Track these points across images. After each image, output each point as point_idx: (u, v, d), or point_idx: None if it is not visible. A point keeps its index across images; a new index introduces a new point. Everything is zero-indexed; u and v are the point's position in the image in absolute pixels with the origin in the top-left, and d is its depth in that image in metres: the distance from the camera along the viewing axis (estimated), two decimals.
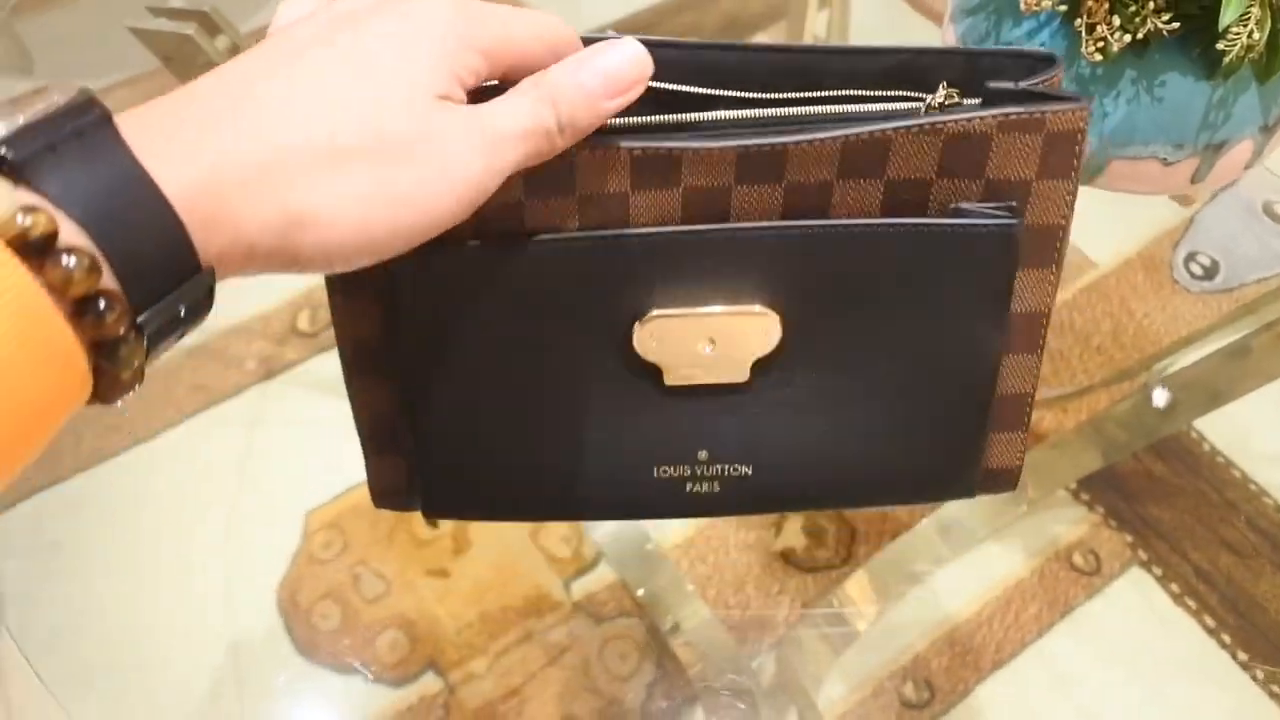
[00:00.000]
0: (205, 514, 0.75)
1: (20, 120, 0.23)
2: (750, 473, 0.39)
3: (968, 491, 0.41)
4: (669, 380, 0.37)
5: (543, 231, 0.35)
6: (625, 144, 0.34)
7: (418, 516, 0.75)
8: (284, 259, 0.27)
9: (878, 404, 0.38)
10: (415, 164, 0.28)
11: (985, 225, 0.35)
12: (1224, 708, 0.69)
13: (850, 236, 0.35)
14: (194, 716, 0.67)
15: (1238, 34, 0.40)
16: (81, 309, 0.23)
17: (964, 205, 0.36)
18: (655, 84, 0.35)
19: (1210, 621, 0.72)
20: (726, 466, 0.39)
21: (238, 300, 0.86)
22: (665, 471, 0.39)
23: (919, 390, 0.38)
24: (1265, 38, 0.40)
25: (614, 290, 0.36)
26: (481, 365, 0.37)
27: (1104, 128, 0.46)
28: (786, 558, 0.73)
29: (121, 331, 0.24)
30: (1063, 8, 0.44)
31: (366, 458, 0.41)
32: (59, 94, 0.24)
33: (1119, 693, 0.69)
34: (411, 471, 0.40)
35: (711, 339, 0.36)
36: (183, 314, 0.26)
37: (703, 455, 0.39)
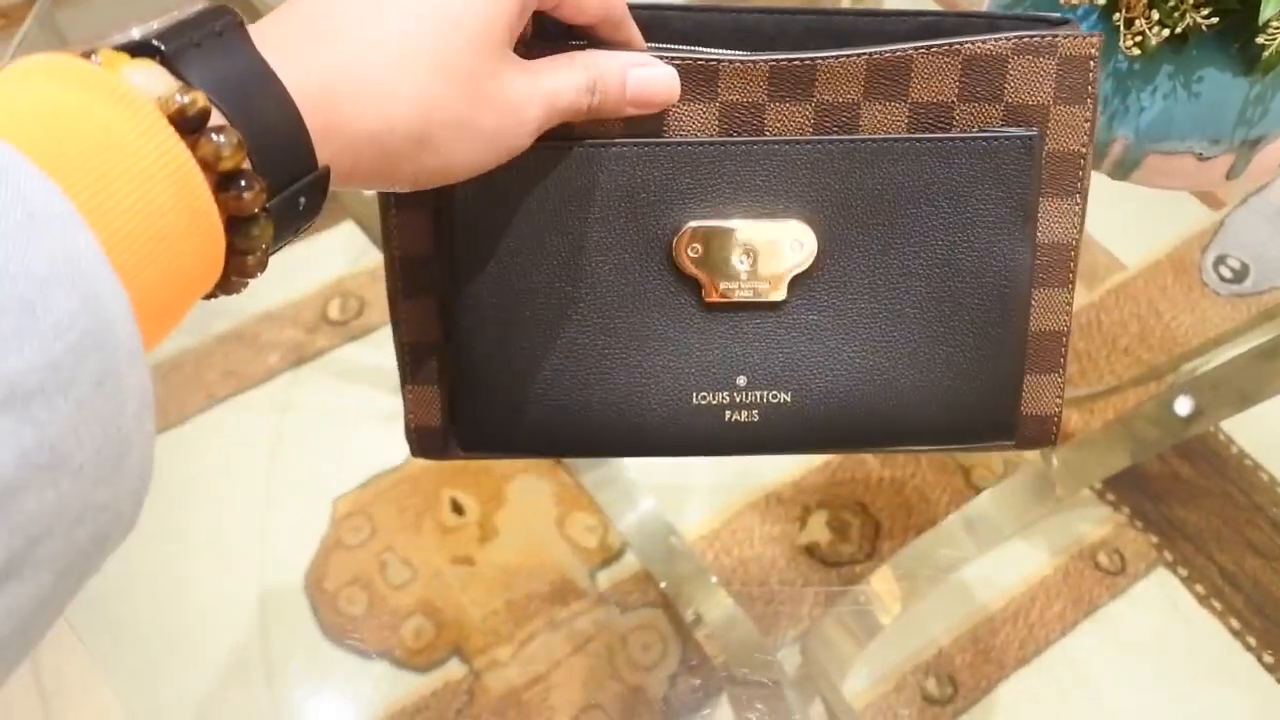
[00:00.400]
0: (235, 498, 0.76)
1: (155, 25, 0.25)
2: (789, 400, 0.39)
3: (1008, 433, 0.41)
4: (708, 297, 0.38)
5: (589, 138, 0.37)
6: (667, 55, 0.36)
7: (445, 505, 0.76)
8: (381, 174, 0.30)
9: (913, 327, 0.39)
10: (492, 105, 0.30)
11: (1007, 136, 0.38)
12: (1248, 710, 0.68)
13: (880, 151, 0.38)
14: (221, 698, 0.68)
15: (1278, 28, 0.40)
16: (224, 185, 0.25)
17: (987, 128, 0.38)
18: (699, 49, 0.38)
19: (1235, 624, 0.72)
20: (765, 393, 0.39)
21: (269, 288, 0.86)
22: (704, 398, 0.39)
23: (953, 312, 0.39)
24: None
25: (656, 199, 0.37)
26: (527, 279, 0.38)
27: (1140, 122, 0.46)
28: (811, 551, 0.74)
29: (256, 210, 0.26)
30: (1101, 1, 0.45)
31: (404, 385, 0.41)
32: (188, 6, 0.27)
33: (1142, 693, 0.69)
34: (449, 408, 0.41)
35: (749, 252, 0.38)
36: (301, 207, 0.28)
37: (741, 381, 0.39)
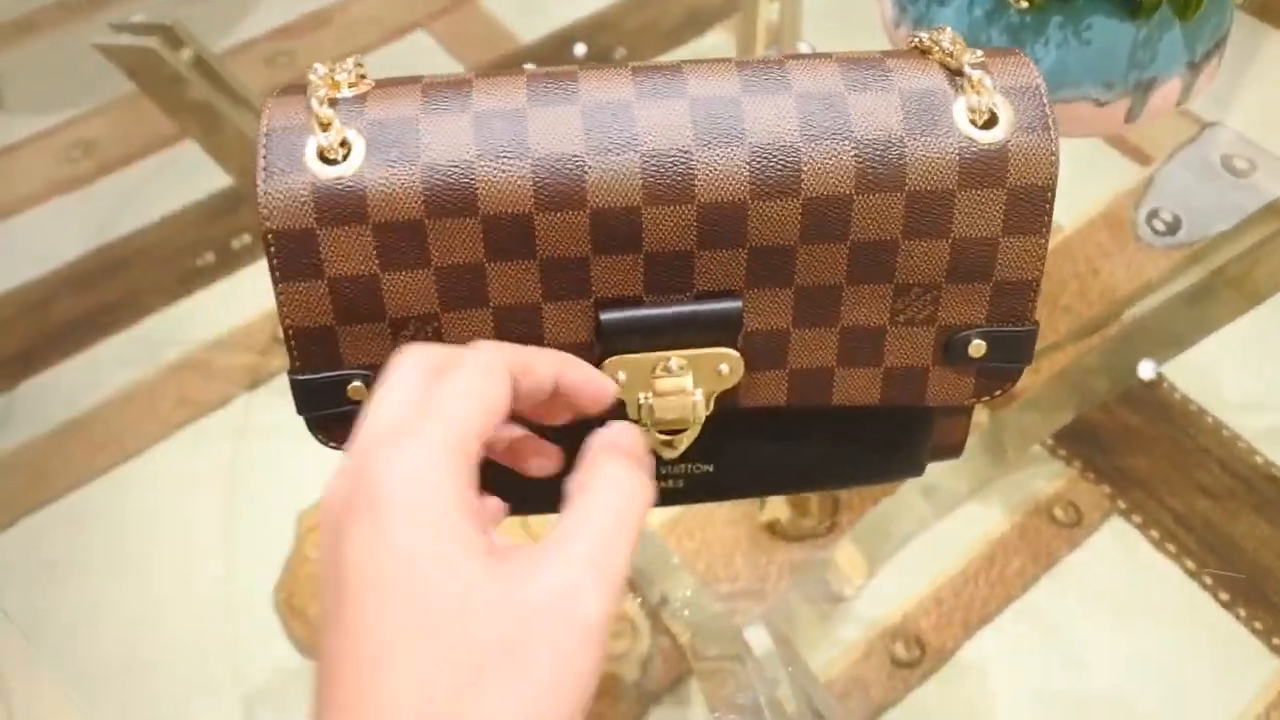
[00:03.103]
0: (198, 522, 0.77)
1: None
2: (712, 470, 0.41)
3: (917, 471, 0.43)
4: (631, 415, 0.38)
5: None
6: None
7: None
8: None
9: (833, 423, 0.39)
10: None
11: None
12: (1209, 648, 0.70)
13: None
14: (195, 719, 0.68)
15: None
16: None
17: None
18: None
19: (1191, 564, 0.73)
20: (690, 465, 0.41)
21: (219, 314, 0.87)
22: None
23: (870, 424, 0.40)
24: None
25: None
26: None
27: None
28: (772, 529, 0.75)
29: None
30: None
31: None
32: None
33: (1105, 640, 0.70)
34: None
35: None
36: None
37: (668, 455, 0.40)
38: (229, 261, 0.91)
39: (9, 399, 0.84)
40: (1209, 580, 0.72)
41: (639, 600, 0.72)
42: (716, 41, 1.07)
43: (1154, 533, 0.75)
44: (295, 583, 0.73)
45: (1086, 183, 0.93)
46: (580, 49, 1.06)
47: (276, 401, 0.83)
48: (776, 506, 0.75)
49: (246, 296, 0.88)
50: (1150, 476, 0.77)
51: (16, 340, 0.87)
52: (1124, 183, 0.93)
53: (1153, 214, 0.91)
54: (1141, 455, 0.78)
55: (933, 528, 0.75)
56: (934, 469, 0.75)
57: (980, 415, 0.77)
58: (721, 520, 0.75)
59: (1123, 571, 0.73)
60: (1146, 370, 0.72)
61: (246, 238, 0.93)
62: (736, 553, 0.74)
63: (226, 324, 0.86)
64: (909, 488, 0.75)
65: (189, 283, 0.89)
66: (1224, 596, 0.72)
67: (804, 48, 1.02)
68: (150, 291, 0.89)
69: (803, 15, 0.99)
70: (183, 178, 0.96)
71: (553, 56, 1.06)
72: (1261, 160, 0.95)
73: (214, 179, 0.95)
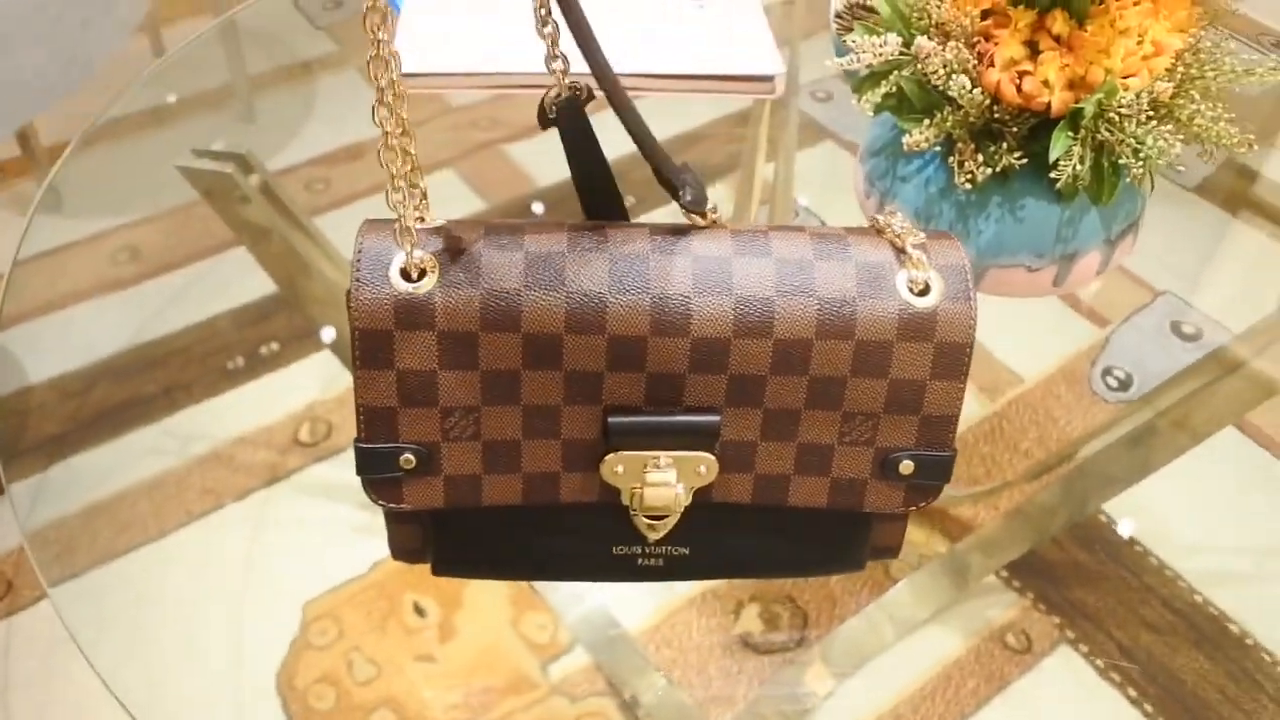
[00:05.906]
0: (211, 605, 0.82)
1: None
2: (688, 553, 0.50)
3: (859, 566, 0.52)
4: (625, 501, 0.47)
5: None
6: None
7: (407, 608, 0.82)
8: None
9: (788, 522, 0.48)
10: None
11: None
12: None
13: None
14: None
15: (1065, 166, 0.50)
16: None
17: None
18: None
19: (1133, 693, 0.78)
20: (669, 548, 0.49)
21: (245, 414, 0.94)
22: (621, 550, 0.49)
23: (818, 527, 0.49)
24: (1088, 170, 0.51)
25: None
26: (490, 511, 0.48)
27: (979, 243, 0.56)
28: (745, 641, 0.80)
29: None
30: (939, 148, 0.55)
31: (389, 525, 0.50)
32: None
33: None
34: (427, 537, 0.50)
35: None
36: None
37: (652, 537, 0.49)
38: (256, 367, 0.98)
39: (41, 479, 0.90)
40: (1150, 708, 0.77)
41: (617, 699, 0.76)
42: (717, 194, 1.17)
43: (1099, 662, 0.80)
44: (297, 665, 0.78)
45: (1047, 341, 1.02)
46: (539, 208, 1.16)
47: (292, 497, 0.89)
48: (749, 620, 0.81)
49: (271, 399, 0.95)
50: (1098, 610, 0.83)
51: (54, 424, 0.94)
52: (1081, 342, 1.02)
53: (1107, 371, 1.00)
54: (1090, 589, 0.84)
55: (894, 648, 0.80)
56: (897, 594, 0.82)
57: (940, 546, 0.84)
58: (698, 630, 0.80)
59: (1069, 696, 0.78)
60: (1126, 528, 0.80)
61: (275, 345, 1.01)
62: (710, 661, 0.79)
63: (251, 423, 0.93)
64: (873, 610, 0.81)
65: (219, 383, 0.97)
66: None
67: (802, 200, 1.12)
68: (183, 388, 0.96)
69: (794, 175, 1.09)
70: (219, 289, 1.04)
71: (563, 198, 1.16)
72: (1208, 326, 1.04)
73: (248, 290, 1.04)
